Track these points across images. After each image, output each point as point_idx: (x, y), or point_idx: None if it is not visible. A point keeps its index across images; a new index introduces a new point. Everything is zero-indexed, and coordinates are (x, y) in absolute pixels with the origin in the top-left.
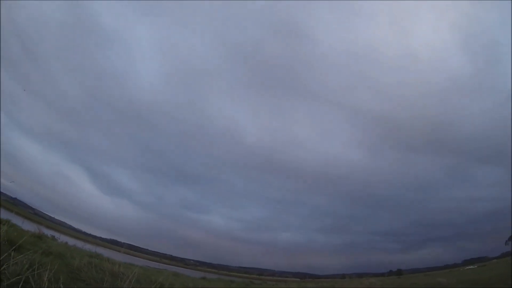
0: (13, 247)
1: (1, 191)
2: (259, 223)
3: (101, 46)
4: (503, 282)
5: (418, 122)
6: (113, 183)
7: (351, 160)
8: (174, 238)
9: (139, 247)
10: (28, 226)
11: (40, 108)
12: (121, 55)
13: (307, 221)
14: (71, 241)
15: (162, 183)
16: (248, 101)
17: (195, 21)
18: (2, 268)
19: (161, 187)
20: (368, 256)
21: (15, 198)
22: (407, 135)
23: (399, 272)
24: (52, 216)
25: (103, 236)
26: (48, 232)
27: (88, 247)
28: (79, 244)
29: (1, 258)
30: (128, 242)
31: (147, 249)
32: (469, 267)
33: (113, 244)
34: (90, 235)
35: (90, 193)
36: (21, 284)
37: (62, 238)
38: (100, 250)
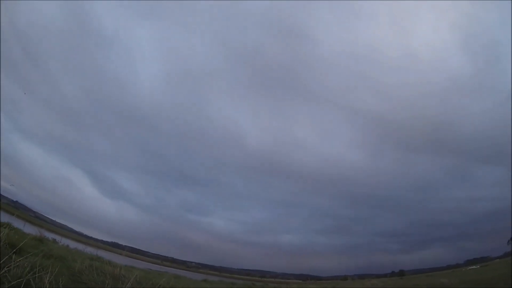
0: (14, 250)
1: (2, 194)
2: (261, 225)
3: (101, 48)
4: (505, 282)
5: (418, 122)
6: (114, 186)
7: (351, 161)
8: (176, 241)
9: (141, 250)
10: (29, 229)
11: (40, 110)
12: (122, 57)
13: (308, 223)
14: (72, 244)
15: (163, 185)
16: (248, 102)
17: (195, 23)
18: (3, 271)
19: (162, 189)
20: (370, 257)
21: (16, 201)
22: (407, 136)
23: (401, 273)
24: (53, 219)
25: (104, 239)
26: (49, 235)
27: (89, 250)
28: (80, 247)
29: (2, 261)
30: (129, 245)
31: (148, 252)
32: (472, 267)
33: (114, 247)
34: (91, 238)
35: (91, 196)
36: (22, 287)
37: (63, 241)
38: (102, 253)
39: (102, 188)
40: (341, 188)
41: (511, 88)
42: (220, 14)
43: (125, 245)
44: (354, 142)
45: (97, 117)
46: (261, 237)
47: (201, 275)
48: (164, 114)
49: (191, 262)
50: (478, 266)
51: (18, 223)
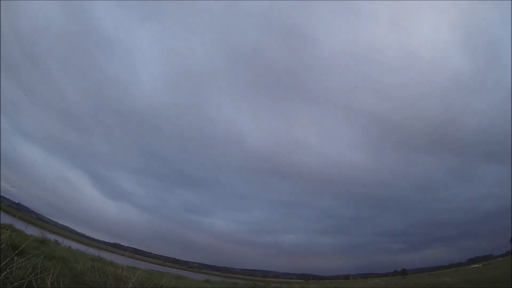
0: (16, 252)
1: (5, 196)
2: (262, 225)
3: (101, 48)
4: (507, 280)
5: (419, 122)
6: (115, 187)
7: (352, 161)
8: (178, 241)
9: (143, 251)
10: (31, 231)
11: (41, 112)
12: (122, 57)
13: (310, 223)
14: (75, 245)
15: (164, 186)
16: (248, 102)
17: (195, 23)
18: (5, 273)
19: (163, 190)
20: (372, 257)
21: (18, 203)
22: (408, 135)
23: (403, 272)
24: (56, 220)
25: (106, 240)
26: (52, 237)
27: (91, 251)
28: (82, 248)
29: (5, 262)
30: (131, 246)
31: (151, 253)
32: (474, 266)
33: (116, 248)
34: (93, 239)
35: (93, 197)
36: None
37: (66, 242)
38: (104, 254)
39: (103, 189)
40: (342, 188)
41: (511, 87)
42: (220, 14)
43: (127, 246)
44: (354, 142)
45: (97, 118)
46: (262, 237)
47: (203, 276)
48: (164, 114)
49: (193, 263)
50: (480, 265)
51: (20, 225)
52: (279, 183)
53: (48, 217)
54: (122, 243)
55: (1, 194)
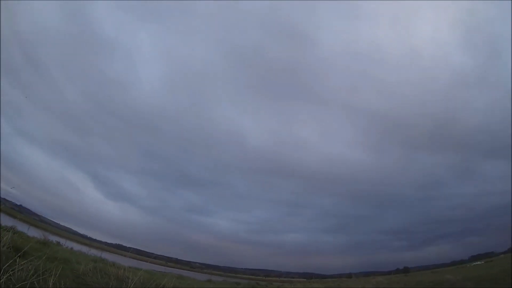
0: (19, 254)
1: (6, 198)
2: (264, 225)
3: (102, 51)
4: (510, 277)
5: (421, 120)
6: (117, 188)
7: (355, 159)
8: (180, 242)
9: (145, 251)
10: (33, 232)
11: (42, 114)
12: (123, 59)
13: (312, 222)
14: (77, 247)
15: (166, 187)
16: (250, 102)
17: (195, 24)
18: (8, 275)
19: (165, 191)
20: (374, 255)
21: (20, 205)
22: (411, 133)
23: (406, 270)
24: (58, 222)
25: (108, 241)
26: (54, 238)
27: (93, 252)
28: (84, 249)
29: (7, 264)
30: (133, 247)
31: (153, 253)
32: (476, 263)
33: (118, 248)
34: (95, 240)
35: (95, 198)
36: None
37: (68, 243)
38: (106, 255)
39: (105, 190)
40: (344, 186)
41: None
42: (220, 15)
43: (129, 247)
44: (355, 140)
45: (98, 119)
46: (264, 237)
47: (205, 276)
48: (165, 115)
49: (196, 263)
50: (483, 262)
51: (22, 227)
52: (280, 182)
53: (50, 218)
54: (124, 244)
55: (2, 196)
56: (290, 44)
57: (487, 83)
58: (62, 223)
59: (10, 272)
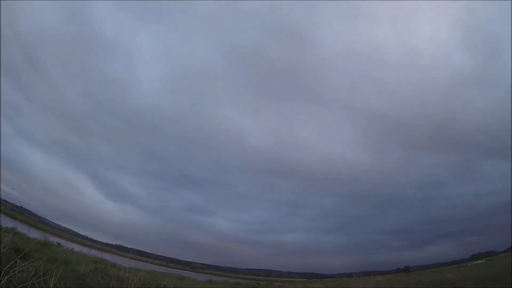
0: (19, 255)
1: (7, 199)
2: (264, 225)
3: (102, 52)
4: (510, 276)
5: (422, 119)
6: (118, 189)
7: (355, 159)
8: (180, 242)
9: (146, 252)
10: (34, 234)
11: (42, 115)
12: (122, 60)
13: (312, 222)
14: (77, 248)
15: (166, 187)
16: (250, 103)
17: (195, 24)
18: (8, 276)
19: (165, 191)
20: (375, 255)
21: (21, 207)
22: (411, 133)
23: (406, 269)
24: (58, 223)
25: (109, 242)
26: (54, 240)
27: (94, 253)
28: (85, 250)
29: (8, 266)
30: (134, 247)
31: (154, 254)
32: (477, 262)
33: (119, 249)
34: (96, 241)
35: (95, 199)
36: None
37: (68, 245)
38: (107, 256)
39: (105, 191)
40: (344, 186)
41: (511, 83)
42: (220, 15)
43: (129, 248)
44: (357, 140)
45: (99, 120)
46: (265, 237)
47: (206, 276)
48: (165, 115)
49: (196, 263)
50: (484, 261)
51: (22, 228)
52: (280, 182)
53: (50, 220)
54: (124, 245)
55: (3, 198)
56: (290, 44)
57: (487, 83)
58: (62, 224)
59: (11, 274)
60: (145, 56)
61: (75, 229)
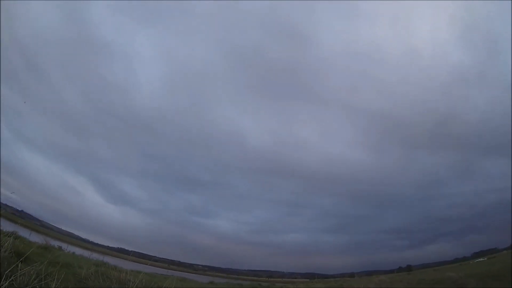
0: (20, 259)
1: (8, 203)
2: (265, 225)
3: (101, 54)
4: (511, 273)
5: (420, 118)
6: (118, 192)
7: (355, 159)
8: (182, 244)
9: (147, 255)
10: (35, 238)
11: (42, 119)
12: (122, 62)
13: (313, 222)
14: (78, 251)
15: (167, 189)
16: (250, 103)
17: (195, 25)
18: (10, 280)
19: (166, 193)
20: (377, 254)
21: (22, 211)
22: (411, 132)
23: (408, 268)
24: (59, 227)
25: (110, 245)
26: (55, 243)
27: (95, 256)
28: (86, 253)
29: (9, 270)
30: (135, 250)
31: (155, 256)
32: (479, 260)
33: (120, 252)
34: (97, 244)
35: (96, 202)
36: None
37: (70, 248)
38: (108, 259)
39: (105, 193)
40: (345, 186)
41: (511, 80)
42: (220, 15)
43: (131, 250)
44: (357, 140)
45: (99, 123)
46: (266, 237)
47: (208, 278)
48: (164, 116)
49: (198, 265)
50: (486, 259)
51: (23, 232)
52: (280, 182)
53: (51, 223)
54: (125, 247)
55: (3, 202)
56: (290, 44)
57: (487, 81)
58: (63, 228)
59: (12, 277)
60: (145, 57)
61: (76, 232)
